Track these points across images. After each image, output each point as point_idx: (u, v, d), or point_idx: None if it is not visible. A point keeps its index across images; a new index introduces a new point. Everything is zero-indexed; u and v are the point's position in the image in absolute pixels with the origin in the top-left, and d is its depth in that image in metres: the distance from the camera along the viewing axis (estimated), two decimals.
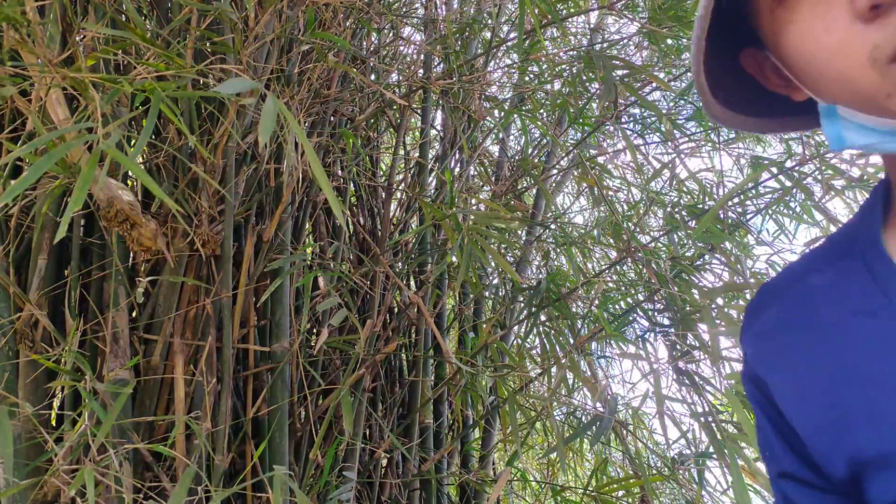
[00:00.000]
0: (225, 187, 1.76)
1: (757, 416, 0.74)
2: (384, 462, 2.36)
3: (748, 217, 2.39)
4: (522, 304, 2.89)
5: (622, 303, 2.93)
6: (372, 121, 2.67)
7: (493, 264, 2.81)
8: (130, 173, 1.69)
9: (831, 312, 0.66)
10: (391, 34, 2.65)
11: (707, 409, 2.03)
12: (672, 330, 2.34)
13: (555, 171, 3.22)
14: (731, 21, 0.81)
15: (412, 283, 2.81)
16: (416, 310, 2.53)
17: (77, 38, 1.22)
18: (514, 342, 2.96)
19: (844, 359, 0.63)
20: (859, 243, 0.78)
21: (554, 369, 2.46)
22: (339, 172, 2.53)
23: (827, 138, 0.76)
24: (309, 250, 2.43)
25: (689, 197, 2.80)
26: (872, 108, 0.70)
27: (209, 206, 1.71)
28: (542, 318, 2.65)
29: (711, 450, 1.75)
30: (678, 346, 2.25)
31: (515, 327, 2.94)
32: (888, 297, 0.70)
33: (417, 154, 2.83)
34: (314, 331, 2.41)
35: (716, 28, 0.79)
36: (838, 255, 0.80)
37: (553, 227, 3.01)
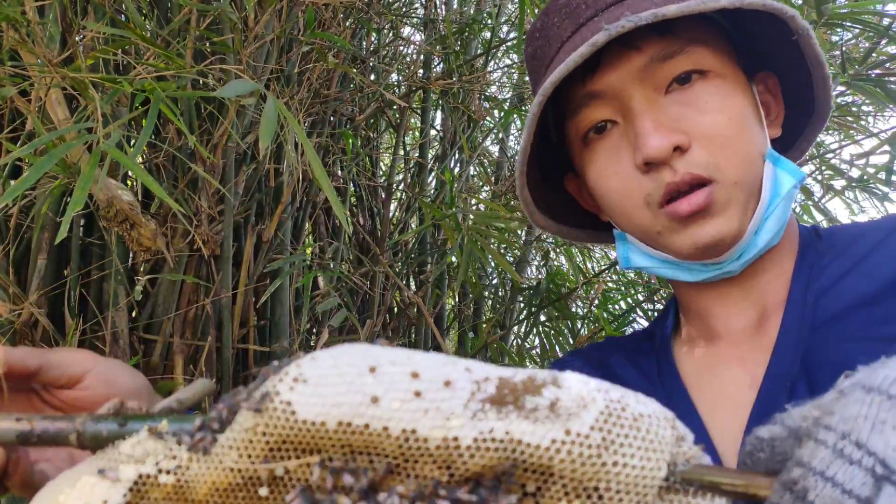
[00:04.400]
0: (225, 187, 1.76)
1: None
2: None
3: None
4: (522, 304, 2.89)
5: (622, 303, 2.93)
6: (372, 121, 2.67)
7: (492, 264, 2.81)
8: (130, 173, 1.68)
9: None
10: (391, 34, 2.66)
11: None
12: None
13: None
14: (559, 150, 1.02)
15: (412, 283, 2.81)
16: (415, 310, 2.53)
17: (77, 38, 1.22)
18: (514, 342, 2.96)
19: None
20: (655, 346, 0.98)
21: None
22: (339, 172, 2.53)
23: (618, 256, 0.95)
24: (308, 250, 2.43)
25: None
26: (649, 241, 0.88)
27: (209, 206, 1.72)
28: (542, 318, 2.64)
29: None
30: None
31: (515, 327, 2.94)
32: (668, 396, 0.90)
33: (417, 154, 2.83)
34: (314, 331, 2.41)
35: (545, 155, 0.99)
36: (637, 350, 1.00)
37: None
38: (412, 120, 2.89)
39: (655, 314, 2.55)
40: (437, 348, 2.48)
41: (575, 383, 0.61)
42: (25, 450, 0.70)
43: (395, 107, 2.60)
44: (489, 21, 2.77)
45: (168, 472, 0.62)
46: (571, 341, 2.53)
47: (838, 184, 2.03)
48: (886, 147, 1.91)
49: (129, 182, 1.83)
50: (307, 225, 2.30)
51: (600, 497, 0.59)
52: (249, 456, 0.60)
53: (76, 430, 0.64)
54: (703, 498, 0.60)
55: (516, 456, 0.58)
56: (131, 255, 1.75)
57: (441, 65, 2.75)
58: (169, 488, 0.62)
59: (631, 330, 2.70)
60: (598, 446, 0.58)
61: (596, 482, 0.59)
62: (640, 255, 0.89)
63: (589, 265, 3.27)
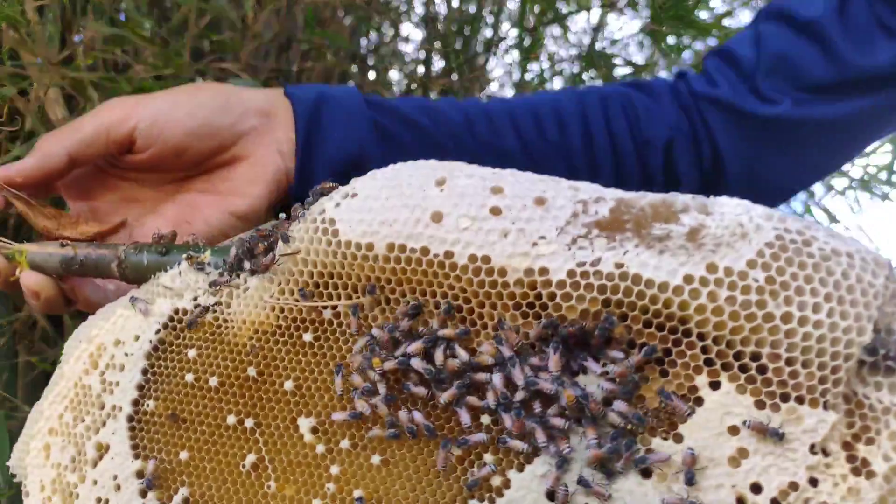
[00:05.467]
0: None
1: None
2: None
3: None
4: None
5: None
6: None
7: None
8: None
9: None
10: (391, 32, 2.47)
11: None
12: None
13: None
14: None
15: None
16: None
17: (76, 38, 1.19)
18: None
19: None
20: None
21: None
22: None
23: None
24: None
25: None
26: None
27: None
28: None
29: None
30: None
31: None
32: None
33: None
34: None
35: None
36: None
37: None
38: None
39: None
40: None
41: (732, 207, 0.42)
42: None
43: None
44: (490, 18, 2.49)
45: (207, 309, 0.51)
46: None
47: (839, 184, 2.01)
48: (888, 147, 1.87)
49: None
50: None
51: (762, 370, 0.39)
52: (292, 292, 0.48)
53: (117, 258, 0.56)
54: None
55: (632, 300, 0.40)
56: None
57: (441, 63, 2.53)
58: (206, 327, 0.51)
59: None
60: (761, 291, 0.39)
61: (755, 345, 0.39)
62: None
63: None
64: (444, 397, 0.43)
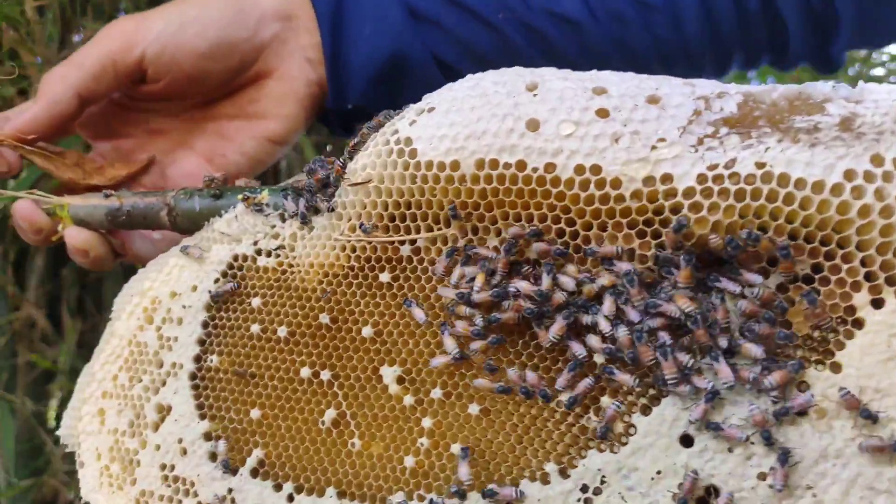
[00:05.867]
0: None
1: None
2: None
3: None
4: None
5: None
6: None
7: None
8: None
9: None
10: None
11: None
12: None
13: None
14: None
15: None
16: None
17: (75, 38, 1.14)
18: None
19: None
20: None
21: None
22: None
23: None
24: None
25: None
26: None
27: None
28: None
29: None
30: None
31: None
32: None
33: None
34: None
35: None
36: None
37: None
38: None
39: None
40: None
41: (886, 94, 0.35)
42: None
43: None
44: None
45: (269, 254, 0.46)
46: None
47: None
48: None
49: None
50: None
51: None
52: (364, 227, 0.43)
53: (166, 206, 0.51)
54: None
55: (777, 205, 0.34)
56: None
57: None
58: (270, 274, 0.46)
59: None
60: None
61: None
62: None
63: None
64: (553, 331, 0.37)
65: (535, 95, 0.38)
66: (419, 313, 0.41)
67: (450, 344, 0.39)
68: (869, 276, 0.34)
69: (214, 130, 0.61)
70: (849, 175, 0.33)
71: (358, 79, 0.59)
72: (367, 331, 0.43)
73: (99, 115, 0.59)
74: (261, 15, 0.57)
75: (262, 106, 0.60)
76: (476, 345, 0.39)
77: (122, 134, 0.62)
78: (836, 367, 0.34)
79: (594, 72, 0.40)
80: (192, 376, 0.46)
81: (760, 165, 0.34)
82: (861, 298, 0.34)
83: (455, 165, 0.39)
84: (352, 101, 0.61)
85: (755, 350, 0.35)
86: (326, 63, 0.59)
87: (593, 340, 0.37)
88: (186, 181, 0.61)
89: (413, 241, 0.42)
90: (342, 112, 0.62)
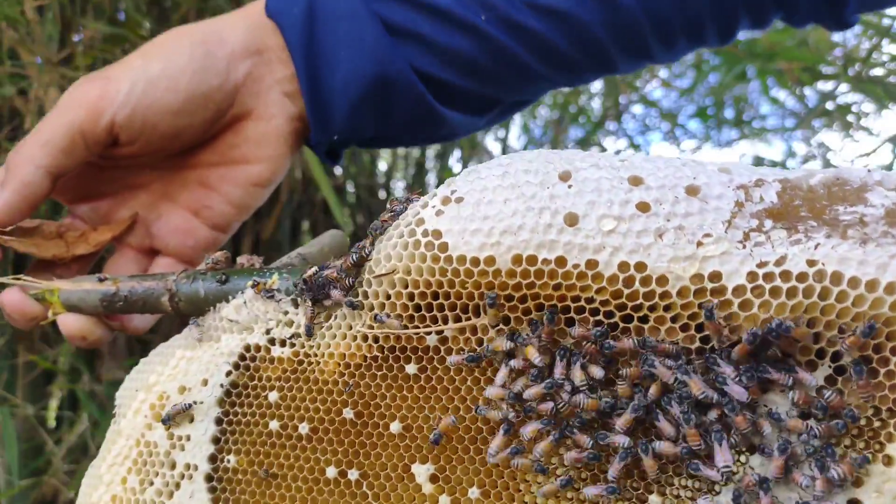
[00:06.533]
0: None
1: None
2: None
3: None
4: None
5: None
6: None
7: None
8: None
9: None
10: None
11: None
12: None
13: None
14: None
15: None
16: None
17: (74, 37, 1.13)
18: None
19: None
20: None
21: None
22: (338, 171, 2.36)
23: None
24: None
25: None
26: None
27: None
28: None
29: None
30: None
31: None
32: None
33: (417, 152, 2.56)
34: None
35: None
36: None
37: None
38: None
39: None
40: None
41: None
42: None
43: None
44: None
45: (283, 343, 0.44)
46: None
47: None
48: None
49: None
50: (306, 224, 2.15)
51: None
52: (388, 316, 0.41)
53: (168, 290, 0.48)
54: None
55: (830, 303, 0.33)
56: None
57: None
58: (286, 365, 0.44)
59: None
60: None
61: None
62: None
63: None
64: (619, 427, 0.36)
65: (570, 187, 0.37)
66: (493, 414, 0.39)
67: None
68: None
69: (196, 180, 0.58)
70: None
71: (340, 106, 0.56)
72: (395, 426, 0.41)
73: (73, 178, 0.56)
74: (230, 54, 0.54)
75: (243, 150, 0.57)
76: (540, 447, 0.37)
77: (100, 194, 0.58)
78: (888, 461, 0.34)
79: (625, 155, 0.39)
80: (209, 478, 0.44)
81: (812, 263, 0.33)
82: None
83: (490, 261, 0.37)
84: (336, 130, 0.58)
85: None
86: (305, 94, 0.56)
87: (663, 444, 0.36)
88: (175, 238, 0.58)
89: (440, 332, 0.40)
90: (328, 142, 0.60)
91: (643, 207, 0.36)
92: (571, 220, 0.36)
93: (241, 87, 0.55)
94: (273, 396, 0.44)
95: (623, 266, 0.35)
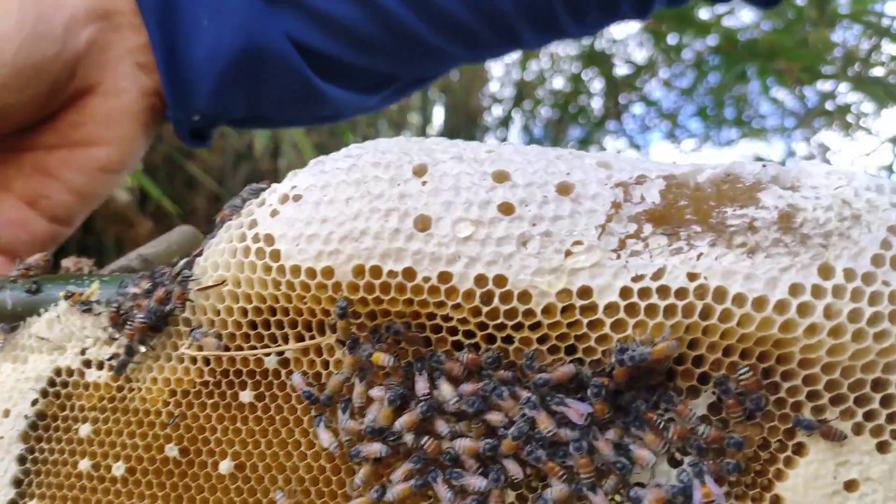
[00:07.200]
0: (221, 186, 1.72)
1: None
2: None
3: None
4: None
5: None
6: (371, 119, 2.41)
7: None
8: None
9: None
10: None
11: None
12: None
13: None
14: None
15: None
16: None
17: None
18: None
19: None
20: None
21: None
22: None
23: None
24: None
25: None
26: None
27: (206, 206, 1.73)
28: None
29: None
30: None
31: None
32: None
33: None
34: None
35: None
36: None
37: None
38: (412, 117, 2.60)
39: None
40: None
41: (823, 177, 0.30)
42: None
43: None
44: None
45: (100, 366, 0.37)
46: None
47: None
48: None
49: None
50: None
51: (888, 403, 0.29)
52: (220, 336, 0.34)
53: None
54: None
55: (712, 324, 0.29)
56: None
57: None
58: (103, 391, 0.37)
59: None
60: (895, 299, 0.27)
61: (882, 371, 0.28)
62: None
63: None
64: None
65: (424, 184, 0.31)
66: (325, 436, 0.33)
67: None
68: (811, 396, 0.29)
69: (33, 164, 0.50)
70: (794, 290, 0.28)
71: (204, 81, 0.50)
72: (225, 465, 0.35)
73: None
74: (69, 18, 0.46)
75: (88, 130, 0.49)
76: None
77: None
78: (777, 501, 0.30)
79: (492, 146, 0.33)
80: None
81: (693, 277, 0.28)
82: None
83: (328, 273, 0.31)
84: (200, 108, 0.51)
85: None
86: (160, 66, 0.49)
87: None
88: (6, 231, 0.50)
89: (280, 353, 0.34)
90: (184, 121, 0.52)
91: (506, 209, 0.30)
92: (423, 224, 0.30)
93: (83, 57, 0.47)
94: (85, 430, 0.37)
95: (480, 280, 0.30)
